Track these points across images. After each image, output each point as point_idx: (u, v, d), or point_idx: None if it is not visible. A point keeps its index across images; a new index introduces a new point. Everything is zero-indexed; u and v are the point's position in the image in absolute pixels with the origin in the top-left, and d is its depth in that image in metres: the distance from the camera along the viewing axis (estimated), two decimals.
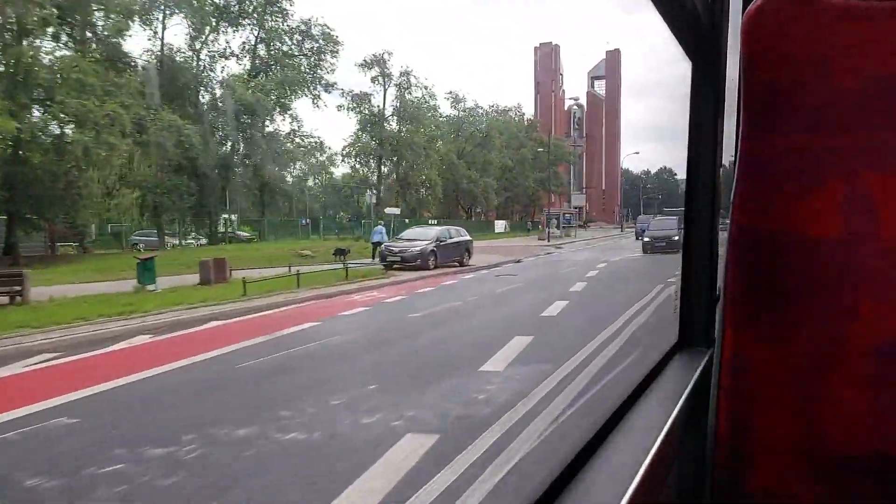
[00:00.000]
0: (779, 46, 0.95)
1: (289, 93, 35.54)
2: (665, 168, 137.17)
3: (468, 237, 22.87)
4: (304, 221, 36.43)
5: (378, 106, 43.47)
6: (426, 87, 46.17)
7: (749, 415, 1.03)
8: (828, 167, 0.95)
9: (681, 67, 1.52)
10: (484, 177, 49.08)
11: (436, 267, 19.88)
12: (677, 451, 1.14)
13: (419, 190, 44.06)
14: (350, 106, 42.85)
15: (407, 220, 36.23)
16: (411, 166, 42.76)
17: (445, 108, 51.90)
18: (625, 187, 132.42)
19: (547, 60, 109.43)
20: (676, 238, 23.40)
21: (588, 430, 1.06)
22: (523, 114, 61.13)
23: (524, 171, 54.75)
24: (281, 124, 35.76)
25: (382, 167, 43.02)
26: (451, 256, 21.14)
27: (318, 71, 37.23)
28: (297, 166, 40.76)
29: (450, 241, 21.77)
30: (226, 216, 30.67)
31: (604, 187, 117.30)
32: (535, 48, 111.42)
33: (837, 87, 0.94)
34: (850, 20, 0.92)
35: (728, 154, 1.55)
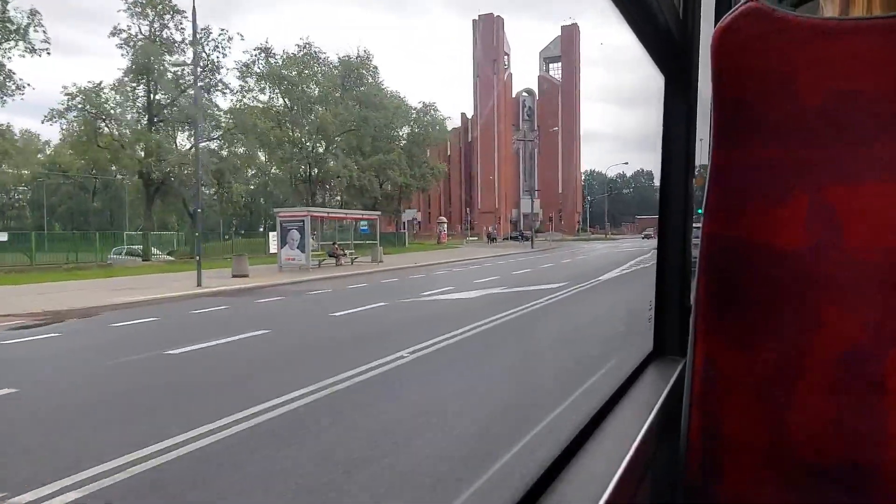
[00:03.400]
0: (747, 62, 1.00)
1: None
2: (643, 171, 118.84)
3: None
4: None
5: None
6: None
7: (719, 423, 1.06)
8: (794, 179, 0.99)
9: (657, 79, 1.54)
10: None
11: None
12: (651, 458, 1.17)
13: None
14: None
15: None
16: None
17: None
18: (598, 192, 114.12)
19: (488, 36, 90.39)
20: None
21: (563, 439, 1.07)
22: (372, 63, 40.34)
23: (331, 150, 34.70)
24: None
25: None
26: None
27: None
28: None
29: None
30: None
31: (560, 190, 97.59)
32: (474, 21, 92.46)
33: (803, 102, 0.98)
34: (816, 37, 0.96)
35: (700, 166, 1.59)
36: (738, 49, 0.99)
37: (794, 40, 0.97)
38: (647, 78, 1.58)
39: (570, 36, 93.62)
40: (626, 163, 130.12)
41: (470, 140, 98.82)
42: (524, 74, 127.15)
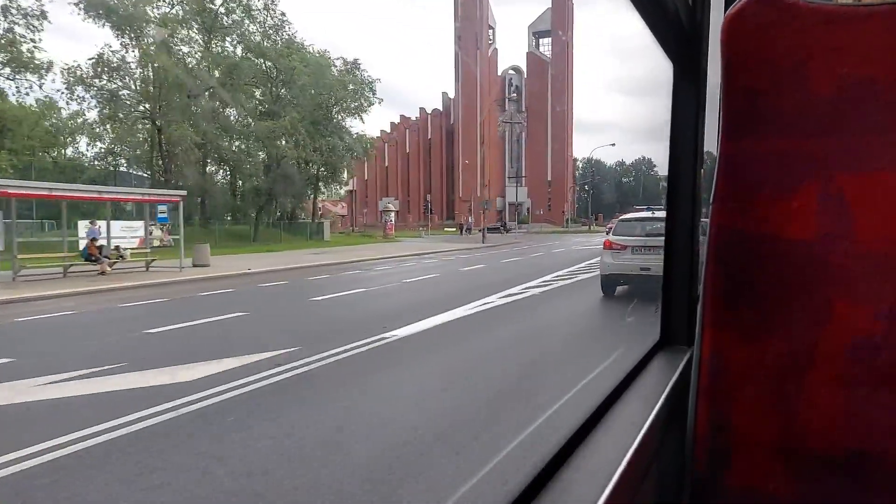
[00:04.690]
0: (758, 50, 0.98)
1: None
2: (643, 159, 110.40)
3: None
4: None
5: None
6: None
7: (727, 413, 1.05)
8: (804, 170, 0.98)
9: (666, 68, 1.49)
10: None
11: None
12: (657, 448, 1.15)
13: None
14: None
15: None
16: None
17: None
18: (598, 182, 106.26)
19: (471, 6, 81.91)
20: None
21: (569, 428, 1.05)
22: (277, 9, 30.39)
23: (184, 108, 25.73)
24: None
25: None
26: None
27: None
28: None
29: None
30: None
31: (549, 178, 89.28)
32: None
33: (814, 90, 0.97)
34: (827, 24, 0.94)
35: (709, 155, 1.55)
36: (748, 36, 0.96)
37: (805, 27, 0.94)
38: (656, 67, 1.52)
39: (561, 7, 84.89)
40: (613, 144, 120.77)
41: (452, 122, 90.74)
42: (511, 50, 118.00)
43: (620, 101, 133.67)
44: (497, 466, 3.43)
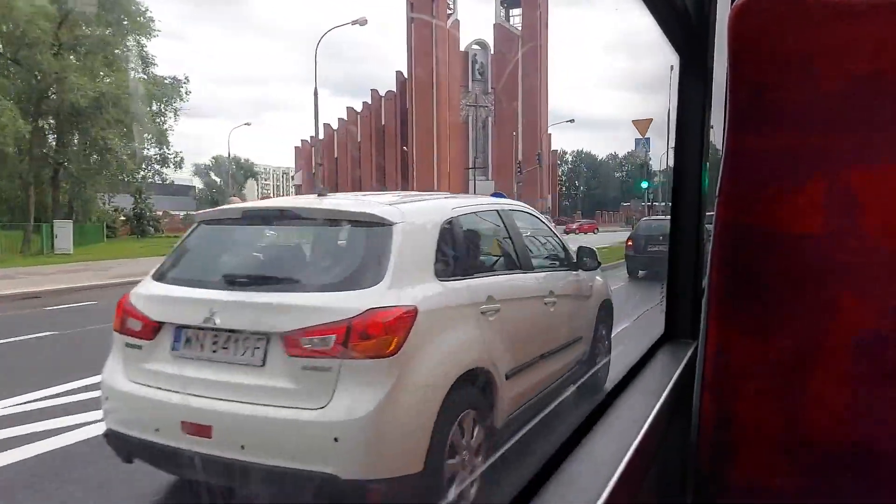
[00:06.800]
0: (765, 44, 0.96)
1: None
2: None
3: None
4: None
5: None
6: None
7: (731, 408, 1.04)
8: (811, 165, 0.97)
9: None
10: None
11: None
12: (661, 442, 1.13)
13: None
14: None
15: None
16: None
17: None
18: (589, 177, 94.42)
19: None
20: None
21: (573, 422, 1.05)
22: None
23: None
24: None
25: None
26: None
27: None
28: None
29: None
30: None
31: (519, 170, 76.49)
32: None
33: (822, 86, 0.95)
34: (835, 18, 0.93)
35: (715, 150, 1.52)
36: (754, 31, 0.95)
37: (812, 21, 0.93)
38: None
39: None
40: (572, 120, 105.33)
41: (407, 106, 78.68)
42: (476, 22, 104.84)
43: (614, 95, 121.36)
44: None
